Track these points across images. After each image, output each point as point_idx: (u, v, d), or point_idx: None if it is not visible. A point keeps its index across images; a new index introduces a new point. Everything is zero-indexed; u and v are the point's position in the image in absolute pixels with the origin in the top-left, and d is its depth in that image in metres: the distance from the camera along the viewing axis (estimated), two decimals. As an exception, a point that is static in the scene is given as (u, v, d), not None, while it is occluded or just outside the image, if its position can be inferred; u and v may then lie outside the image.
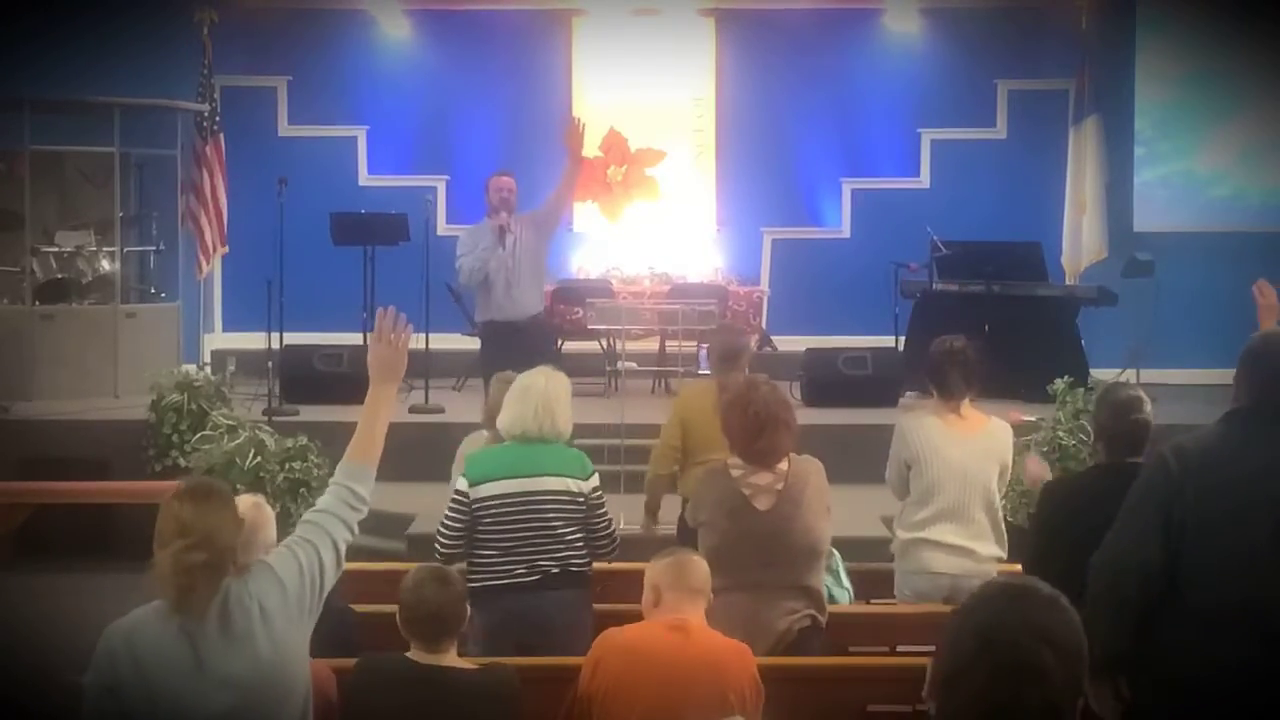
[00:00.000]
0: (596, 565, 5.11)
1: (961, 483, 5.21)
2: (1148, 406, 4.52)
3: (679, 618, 3.91)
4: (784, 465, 4.63)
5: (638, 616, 4.20)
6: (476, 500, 4.86)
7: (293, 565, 3.30)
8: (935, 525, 5.22)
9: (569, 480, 4.91)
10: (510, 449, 4.96)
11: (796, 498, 4.59)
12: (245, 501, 4.10)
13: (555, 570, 4.84)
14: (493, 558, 4.82)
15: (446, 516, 4.94)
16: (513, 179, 8.70)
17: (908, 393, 10.40)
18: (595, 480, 4.99)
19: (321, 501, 3.45)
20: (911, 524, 5.28)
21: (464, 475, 4.94)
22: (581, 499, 4.92)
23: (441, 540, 4.94)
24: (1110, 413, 4.51)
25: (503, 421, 5.00)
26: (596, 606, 4.96)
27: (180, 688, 3.11)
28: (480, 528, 4.86)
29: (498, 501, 4.84)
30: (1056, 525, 4.42)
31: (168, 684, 3.11)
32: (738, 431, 4.58)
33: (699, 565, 4.06)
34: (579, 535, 4.92)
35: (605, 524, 4.98)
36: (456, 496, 4.93)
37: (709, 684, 3.77)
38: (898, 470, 5.36)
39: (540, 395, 4.95)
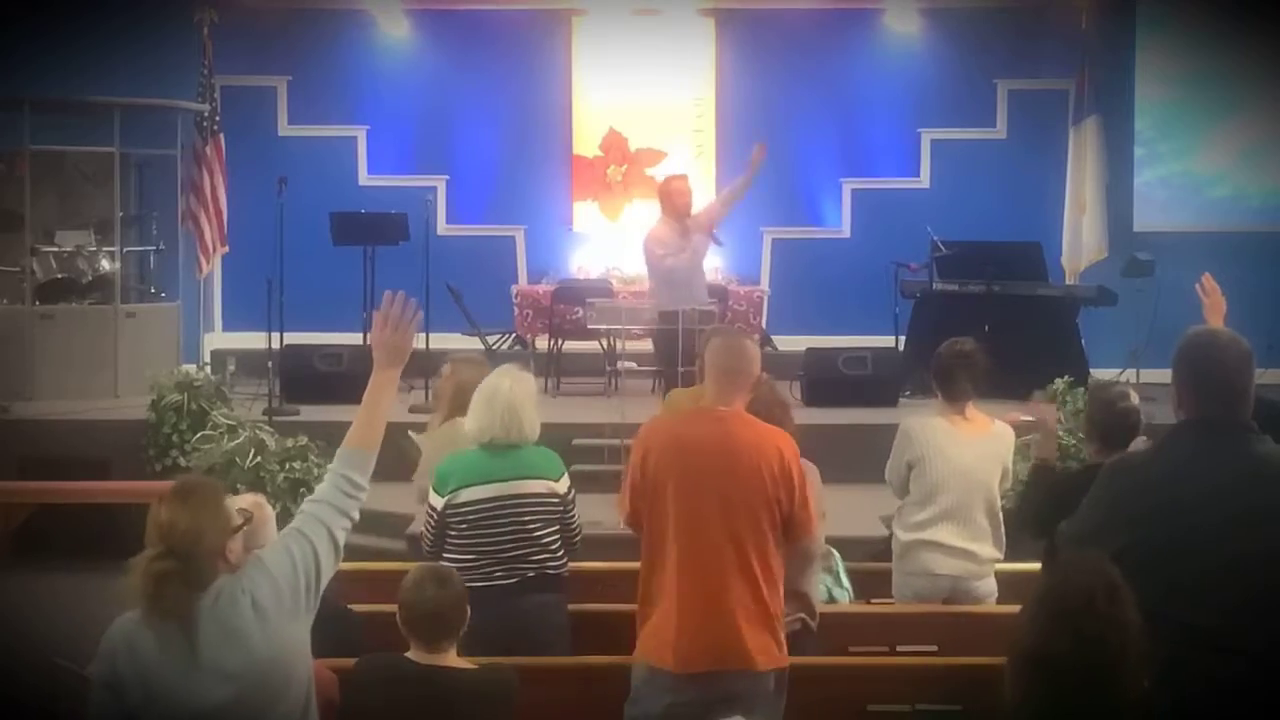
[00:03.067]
0: (589, 566, 5.12)
1: (964, 484, 5.21)
2: (1135, 399, 4.55)
3: (719, 409, 4.17)
4: None
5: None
6: (450, 508, 4.84)
7: (285, 558, 3.27)
8: (937, 526, 5.22)
9: (547, 482, 4.90)
10: (483, 454, 4.92)
11: None
12: (244, 501, 4.10)
13: (532, 574, 4.82)
14: (471, 561, 4.79)
15: (425, 523, 4.98)
16: (687, 180, 9.23)
17: (907, 393, 10.41)
18: (568, 479, 4.99)
19: (318, 491, 3.42)
20: (912, 525, 5.28)
21: (434, 489, 4.92)
22: (558, 499, 4.91)
23: (426, 541, 4.98)
24: (1099, 407, 4.55)
25: (470, 427, 4.96)
26: (576, 608, 4.95)
27: (177, 684, 3.12)
28: (457, 533, 4.84)
29: (474, 507, 4.82)
30: (1047, 519, 4.42)
31: (164, 680, 3.12)
32: None
33: (742, 346, 4.30)
34: (555, 537, 4.90)
35: (576, 522, 4.99)
36: (428, 510, 4.93)
37: (748, 470, 4.06)
38: (899, 469, 5.36)
39: (505, 400, 4.89)
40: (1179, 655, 3.26)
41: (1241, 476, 3.36)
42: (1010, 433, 5.44)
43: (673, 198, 8.94)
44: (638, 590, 4.22)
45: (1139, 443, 4.55)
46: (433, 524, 4.91)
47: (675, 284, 8.78)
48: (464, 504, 4.83)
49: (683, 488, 4.07)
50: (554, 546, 4.89)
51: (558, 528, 4.91)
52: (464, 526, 4.83)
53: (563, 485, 4.94)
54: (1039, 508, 4.58)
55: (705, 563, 4.05)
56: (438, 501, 4.87)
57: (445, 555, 4.85)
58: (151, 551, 3.11)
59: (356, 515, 3.41)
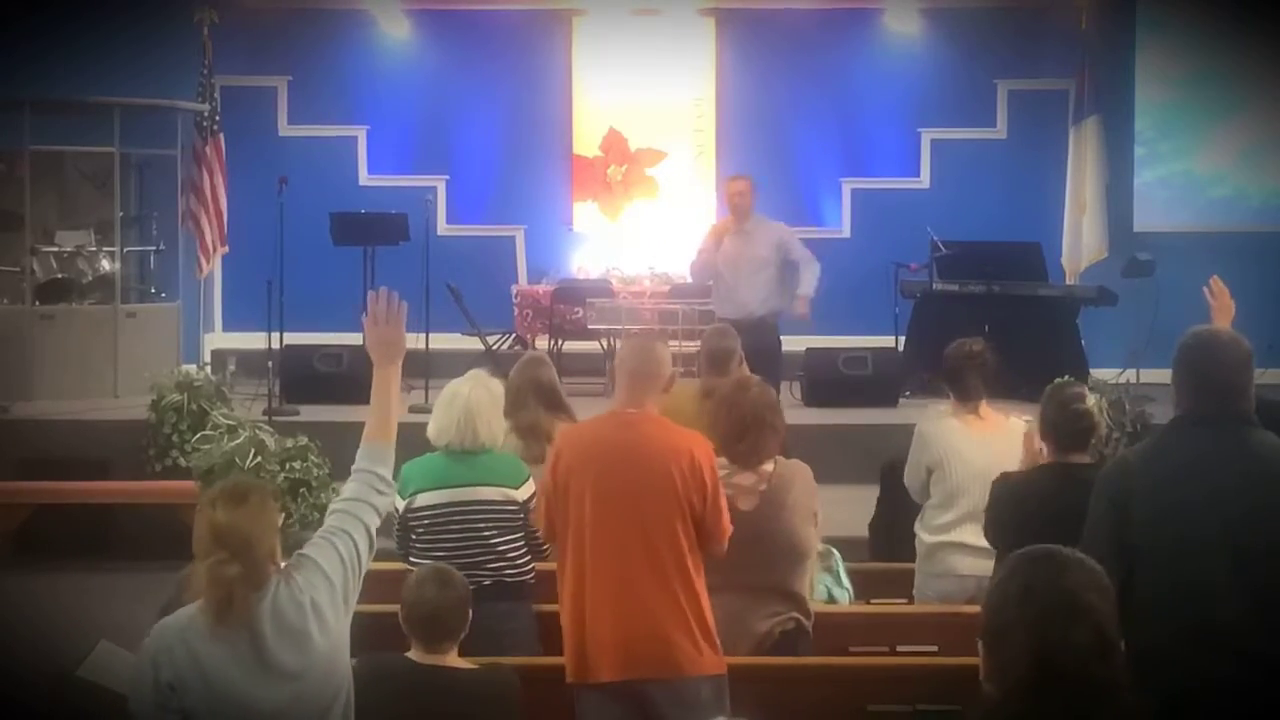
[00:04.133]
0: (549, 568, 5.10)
1: (984, 485, 5.18)
2: (1091, 400, 4.53)
3: (628, 411, 4.17)
4: (769, 467, 4.63)
5: None
6: (409, 511, 4.81)
7: (334, 557, 3.32)
8: (960, 528, 5.21)
9: (503, 489, 4.84)
10: (442, 458, 4.88)
11: (780, 500, 4.58)
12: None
13: (489, 582, 4.73)
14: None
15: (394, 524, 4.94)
16: (746, 183, 9.47)
17: (907, 393, 10.41)
18: (530, 486, 4.87)
19: (347, 490, 3.46)
20: (936, 527, 5.28)
21: (397, 490, 4.90)
22: (516, 507, 4.84)
23: (395, 542, 4.94)
24: (1055, 408, 4.50)
25: (430, 430, 4.92)
26: (546, 609, 4.83)
27: (242, 683, 3.14)
28: (416, 537, 4.82)
29: (430, 512, 4.80)
30: (1005, 522, 4.43)
31: (229, 680, 3.14)
32: (723, 431, 4.59)
33: (651, 348, 4.30)
34: (515, 544, 4.83)
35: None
36: (394, 509, 4.85)
37: (658, 473, 4.04)
38: (918, 474, 5.36)
39: (462, 405, 4.84)
40: (1186, 651, 3.26)
41: (1245, 471, 3.36)
42: (1025, 428, 5.45)
43: (729, 198, 9.50)
44: (560, 605, 4.19)
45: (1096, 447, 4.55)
46: (396, 526, 4.89)
47: (716, 284, 9.28)
48: (420, 508, 4.81)
49: (594, 492, 4.05)
50: (513, 554, 4.83)
51: (518, 535, 4.85)
52: (421, 531, 4.81)
53: (523, 493, 4.85)
54: (996, 514, 4.56)
55: (619, 567, 4.02)
56: (400, 504, 4.82)
57: (410, 560, 4.82)
58: (215, 557, 3.13)
59: (384, 510, 3.49)
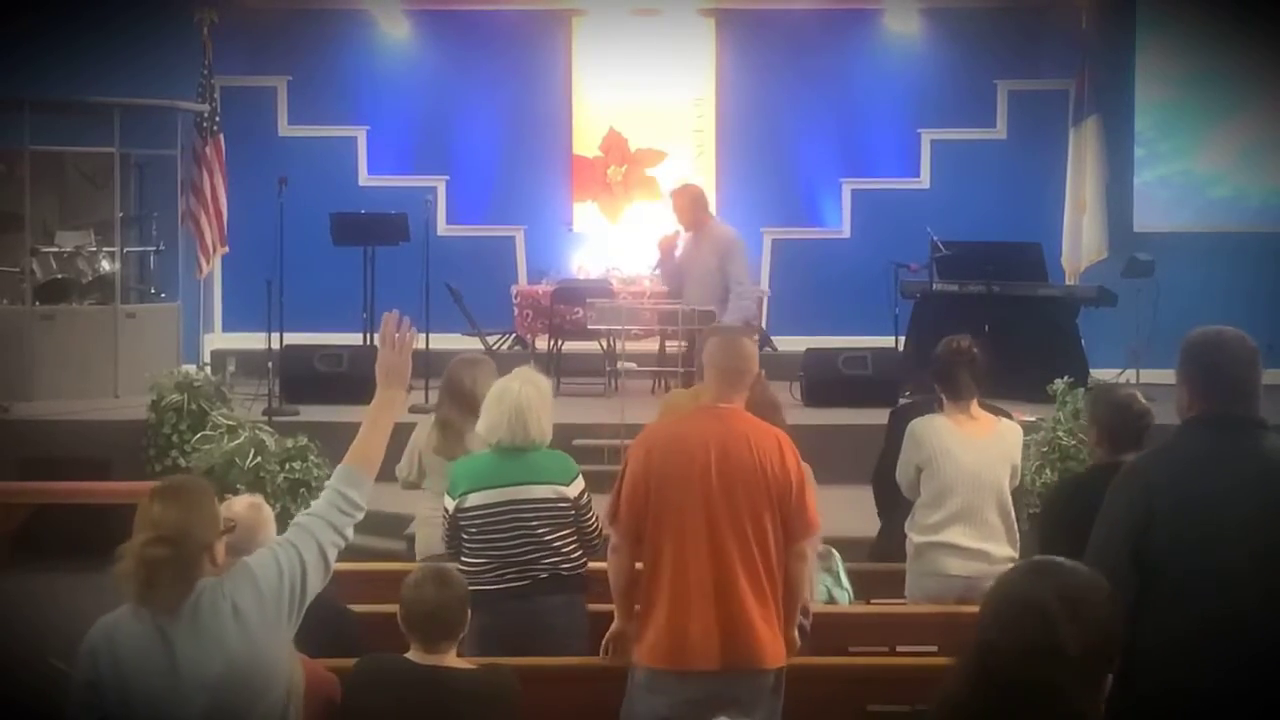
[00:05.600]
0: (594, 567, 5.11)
1: (974, 485, 5.22)
2: (1144, 401, 4.57)
3: (719, 406, 4.22)
4: None
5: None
6: (460, 511, 4.84)
7: (271, 566, 3.25)
8: (950, 528, 5.22)
9: (555, 487, 4.86)
10: (492, 457, 4.91)
11: None
12: (242, 502, 4.11)
13: (545, 576, 4.80)
14: (483, 564, 4.79)
15: (442, 524, 5.00)
16: (681, 196, 9.52)
17: (907, 393, 10.39)
18: (580, 482, 4.94)
19: (314, 505, 3.40)
20: (925, 527, 5.28)
21: (447, 491, 4.93)
22: (568, 504, 4.87)
23: (444, 541, 5.01)
24: (1110, 410, 4.54)
25: (481, 428, 4.95)
26: (593, 607, 4.94)
27: (153, 686, 3.11)
28: (468, 536, 4.84)
29: (482, 512, 4.81)
30: (1066, 524, 4.41)
31: (142, 682, 3.11)
32: None
33: (741, 344, 4.35)
34: (569, 539, 4.87)
35: (593, 523, 4.95)
36: (444, 510, 4.95)
37: (749, 466, 4.11)
38: (908, 472, 5.36)
39: (512, 402, 4.86)
40: (1203, 647, 3.27)
41: (1261, 471, 3.37)
42: (1017, 430, 5.45)
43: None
44: (623, 591, 4.24)
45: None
46: (446, 526, 4.93)
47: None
48: (471, 508, 4.83)
49: (686, 486, 4.09)
50: (566, 549, 4.87)
51: (571, 531, 4.88)
52: (474, 530, 4.83)
53: (574, 489, 4.89)
54: (1054, 516, 4.57)
55: (710, 561, 4.07)
56: (449, 504, 4.88)
57: (462, 559, 4.85)
58: (144, 536, 3.11)
59: (351, 534, 3.39)
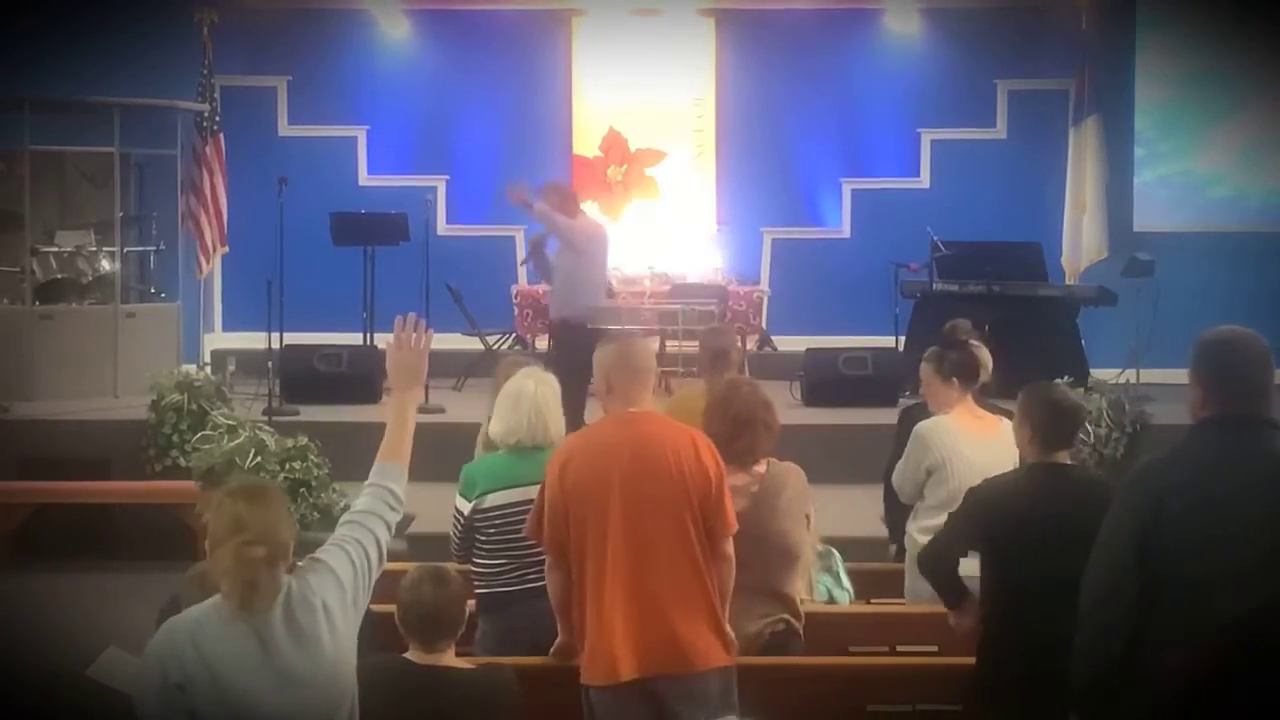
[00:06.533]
0: None
1: None
2: (1075, 399, 4.52)
3: (629, 411, 4.19)
4: (761, 468, 4.65)
5: None
6: (477, 513, 4.84)
7: (347, 563, 3.32)
8: None
9: None
10: (507, 458, 4.91)
11: (772, 501, 4.60)
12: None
13: None
14: (502, 565, 4.79)
15: (453, 527, 4.99)
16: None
17: (906, 393, 10.39)
18: None
19: (360, 503, 3.47)
20: (932, 528, 5.25)
21: (460, 492, 4.92)
22: None
23: (453, 545, 5.01)
24: (1045, 406, 4.39)
25: (495, 430, 4.95)
26: None
27: (250, 685, 3.12)
28: (485, 537, 4.84)
29: (501, 512, 4.81)
30: (988, 524, 4.34)
31: (238, 681, 3.12)
32: (717, 431, 4.58)
33: (642, 345, 4.36)
34: None
35: None
36: (455, 514, 4.94)
37: (665, 468, 4.07)
38: (914, 475, 5.34)
39: (530, 402, 4.87)
40: (1210, 648, 3.27)
41: (1273, 472, 3.37)
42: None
43: None
44: (562, 607, 4.20)
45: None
46: (460, 528, 4.92)
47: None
48: (490, 509, 4.82)
49: (601, 496, 4.06)
50: None
51: None
52: (492, 531, 4.83)
53: None
54: (977, 518, 4.49)
55: (631, 565, 4.02)
56: (464, 505, 4.87)
57: (475, 560, 4.86)
58: (240, 537, 3.12)
59: (394, 525, 3.49)
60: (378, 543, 3.41)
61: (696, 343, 9.59)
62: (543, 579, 4.69)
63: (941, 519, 5.20)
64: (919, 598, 5.29)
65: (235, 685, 3.11)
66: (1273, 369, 3.50)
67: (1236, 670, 3.28)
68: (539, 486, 4.60)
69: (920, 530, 5.31)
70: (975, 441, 5.25)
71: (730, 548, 4.19)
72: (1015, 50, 13.02)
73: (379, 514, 3.44)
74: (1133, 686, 3.38)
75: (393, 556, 6.25)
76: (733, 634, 4.19)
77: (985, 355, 5.59)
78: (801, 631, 4.67)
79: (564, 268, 8.94)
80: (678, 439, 4.15)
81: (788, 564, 4.64)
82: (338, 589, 3.27)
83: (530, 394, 4.89)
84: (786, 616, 4.63)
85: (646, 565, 4.03)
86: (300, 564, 3.30)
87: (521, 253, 13.15)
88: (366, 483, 3.50)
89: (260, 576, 3.13)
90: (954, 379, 5.40)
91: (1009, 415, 5.62)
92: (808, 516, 4.72)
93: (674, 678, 4.01)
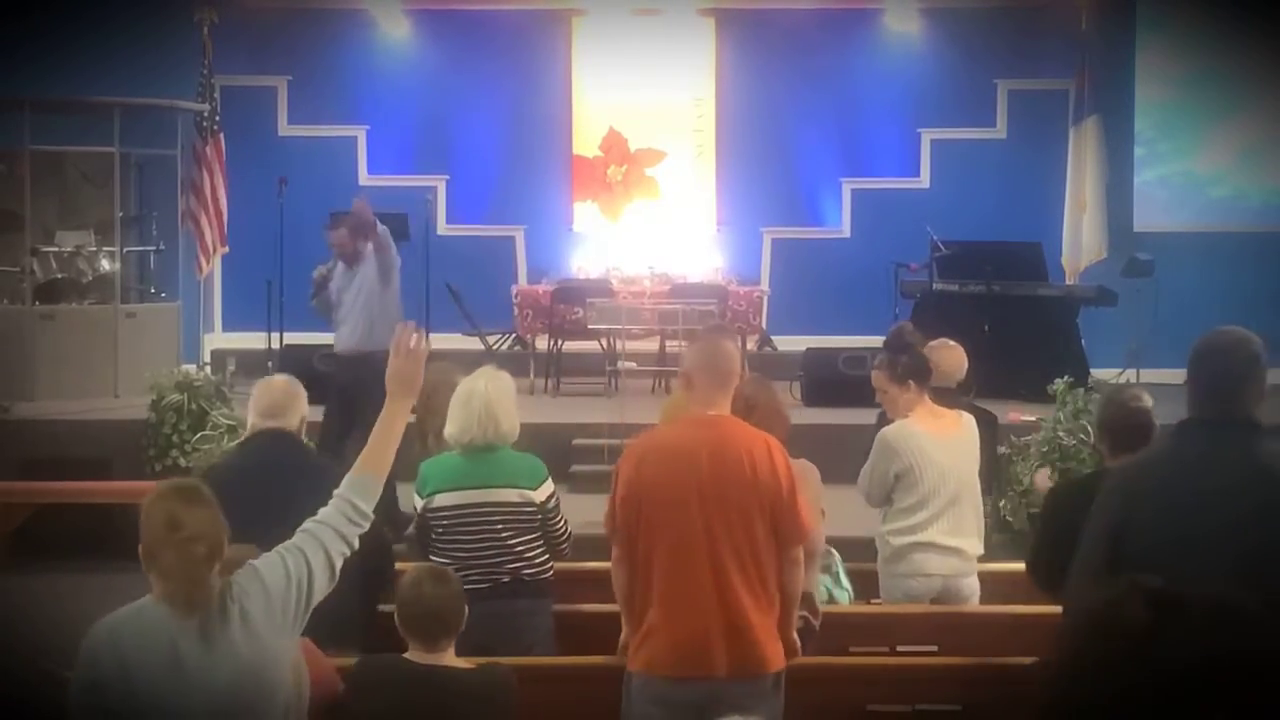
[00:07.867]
0: (590, 567, 5.10)
1: (954, 485, 5.31)
2: (1148, 400, 4.54)
3: (708, 414, 4.18)
4: None
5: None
6: (428, 511, 4.85)
7: (279, 571, 3.25)
8: (930, 527, 5.28)
9: (521, 491, 4.83)
10: (460, 459, 4.89)
11: None
12: (279, 381, 4.55)
13: (507, 580, 4.77)
14: (447, 564, 4.74)
15: (413, 523, 5.02)
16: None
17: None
18: (549, 486, 4.90)
19: (321, 512, 3.40)
20: (906, 528, 5.31)
21: (415, 490, 4.91)
22: (533, 508, 4.83)
23: (413, 541, 5.06)
24: (1113, 410, 4.50)
25: (449, 431, 4.92)
26: (559, 608, 4.92)
27: (160, 688, 3.09)
28: (435, 535, 4.85)
29: (448, 513, 4.81)
30: (1064, 524, 4.38)
31: (148, 683, 3.09)
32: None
33: (729, 349, 4.32)
34: (533, 544, 4.84)
35: (561, 528, 4.93)
36: (414, 508, 4.95)
37: (740, 472, 4.07)
38: (884, 481, 5.37)
39: (481, 401, 4.84)
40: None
41: (1250, 473, 3.36)
42: (973, 419, 5.52)
43: None
44: (626, 600, 4.21)
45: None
46: (415, 525, 4.96)
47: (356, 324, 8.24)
48: (438, 509, 4.83)
49: (679, 495, 4.07)
50: (530, 554, 4.83)
51: (536, 536, 4.85)
52: (440, 530, 4.84)
53: (541, 494, 4.86)
54: (1054, 524, 4.50)
55: (707, 568, 4.05)
56: (418, 503, 4.88)
57: (430, 557, 4.84)
58: (181, 535, 3.08)
59: (356, 543, 3.40)
60: (326, 555, 3.31)
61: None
62: (483, 581, 4.71)
63: (918, 518, 5.25)
64: (898, 599, 5.32)
65: (145, 687, 3.08)
66: (1260, 370, 3.48)
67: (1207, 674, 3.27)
68: (488, 490, 4.73)
69: (895, 533, 5.35)
70: (939, 442, 5.32)
71: (800, 554, 4.23)
72: (1015, 50, 13.02)
73: (335, 526, 3.35)
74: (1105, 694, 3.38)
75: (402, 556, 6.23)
76: (798, 641, 4.24)
77: (959, 355, 5.64)
78: (818, 629, 4.67)
79: (370, 299, 8.21)
80: (753, 443, 4.15)
81: (807, 560, 4.66)
82: (263, 596, 3.19)
83: (481, 393, 4.86)
84: (804, 614, 4.64)
85: (724, 566, 4.04)
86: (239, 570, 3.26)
87: (522, 252, 13.18)
88: (336, 491, 3.43)
89: (203, 575, 3.10)
90: (909, 381, 5.43)
91: (990, 416, 5.67)
92: (822, 512, 4.73)
93: (747, 677, 4.05)
